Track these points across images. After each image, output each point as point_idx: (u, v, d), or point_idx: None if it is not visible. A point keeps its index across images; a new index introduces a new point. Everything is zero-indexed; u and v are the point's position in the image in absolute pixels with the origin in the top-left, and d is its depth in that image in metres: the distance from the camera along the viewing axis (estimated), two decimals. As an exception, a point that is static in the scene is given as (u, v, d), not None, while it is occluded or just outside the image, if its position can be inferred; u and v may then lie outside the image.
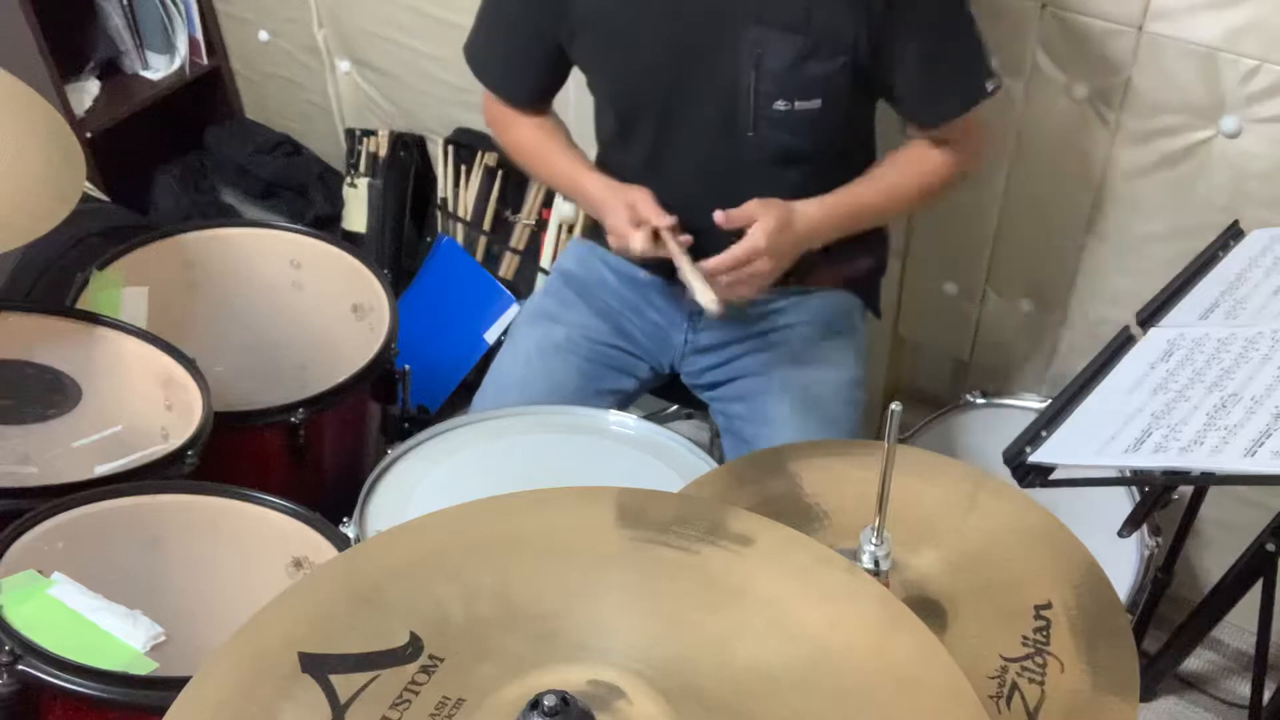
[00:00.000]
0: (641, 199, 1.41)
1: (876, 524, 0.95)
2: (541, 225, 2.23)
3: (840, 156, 1.50)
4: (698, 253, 1.41)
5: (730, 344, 1.61)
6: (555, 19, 1.44)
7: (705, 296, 1.34)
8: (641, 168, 1.51)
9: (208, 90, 2.62)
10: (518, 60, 1.54)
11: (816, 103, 1.39)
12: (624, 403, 1.68)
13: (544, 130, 1.59)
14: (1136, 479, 1.33)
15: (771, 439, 1.53)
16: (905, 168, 1.49)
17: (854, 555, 0.96)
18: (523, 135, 1.60)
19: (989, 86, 1.43)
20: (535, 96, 1.58)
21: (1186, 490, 1.60)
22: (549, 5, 1.44)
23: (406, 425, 1.77)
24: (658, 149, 1.49)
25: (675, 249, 1.39)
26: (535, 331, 1.66)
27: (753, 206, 1.38)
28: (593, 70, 1.50)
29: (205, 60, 2.56)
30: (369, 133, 2.39)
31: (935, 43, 1.39)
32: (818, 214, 1.44)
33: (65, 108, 2.34)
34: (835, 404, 1.56)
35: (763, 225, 1.37)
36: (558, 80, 1.57)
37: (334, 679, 0.79)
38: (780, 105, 1.39)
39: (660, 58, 1.41)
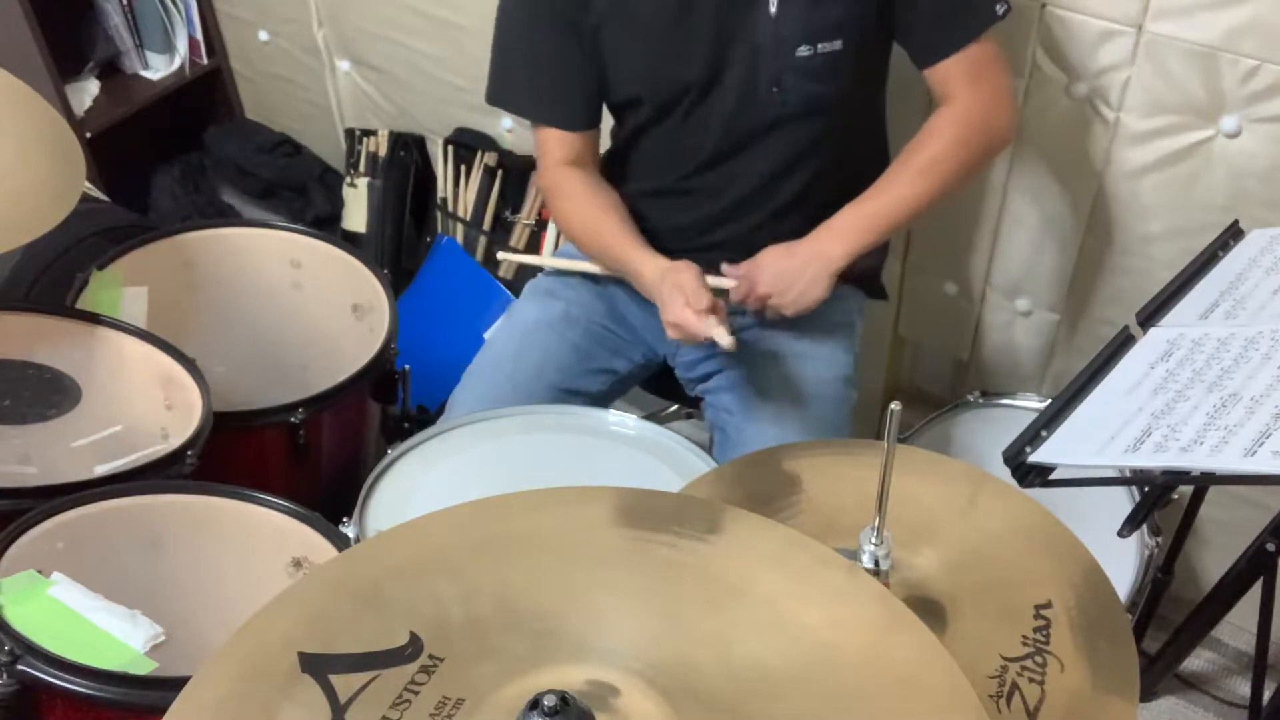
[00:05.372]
0: (689, 281, 1.40)
1: (876, 524, 0.95)
2: (541, 225, 2.23)
3: (858, 109, 1.51)
4: (715, 221, 1.50)
5: None
6: (579, 18, 1.44)
7: (723, 339, 1.36)
8: (665, 151, 1.52)
9: (208, 90, 2.62)
10: (560, 82, 1.51)
11: (838, 43, 1.40)
12: (616, 383, 1.68)
13: (601, 201, 1.56)
14: (1136, 479, 1.33)
15: (756, 436, 1.53)
16: (918, 145, 1.47)
17: (854, 555, 0.96)
18: (580, 205, 1.57)
19: (999, 9, 1.41)
20: (586, 117, 1.55)
21: (1186, 490, 1.60)
22: (568, 12, 1.44)
23: (406, 425, 1.77)
24: (682, 129, 1.49)
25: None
26: (534, 306, 1.67)
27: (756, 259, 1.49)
28: (623, 60, 1.48)
29: (205, 60, 2.56)
30: (369, 133, 2.39)
31: None
32: (831, 229, 1.46)
33: (65, 108, 2.34)
34: (824, 401, 1.56)
35: (755, 260, 1.47)
36: (600, 94, 1.54)
37: (334, 679, 0.79)
38: (804, 50, 1.40)
39: (685, 29, 1.41)
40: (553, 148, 1.57)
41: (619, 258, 1.53)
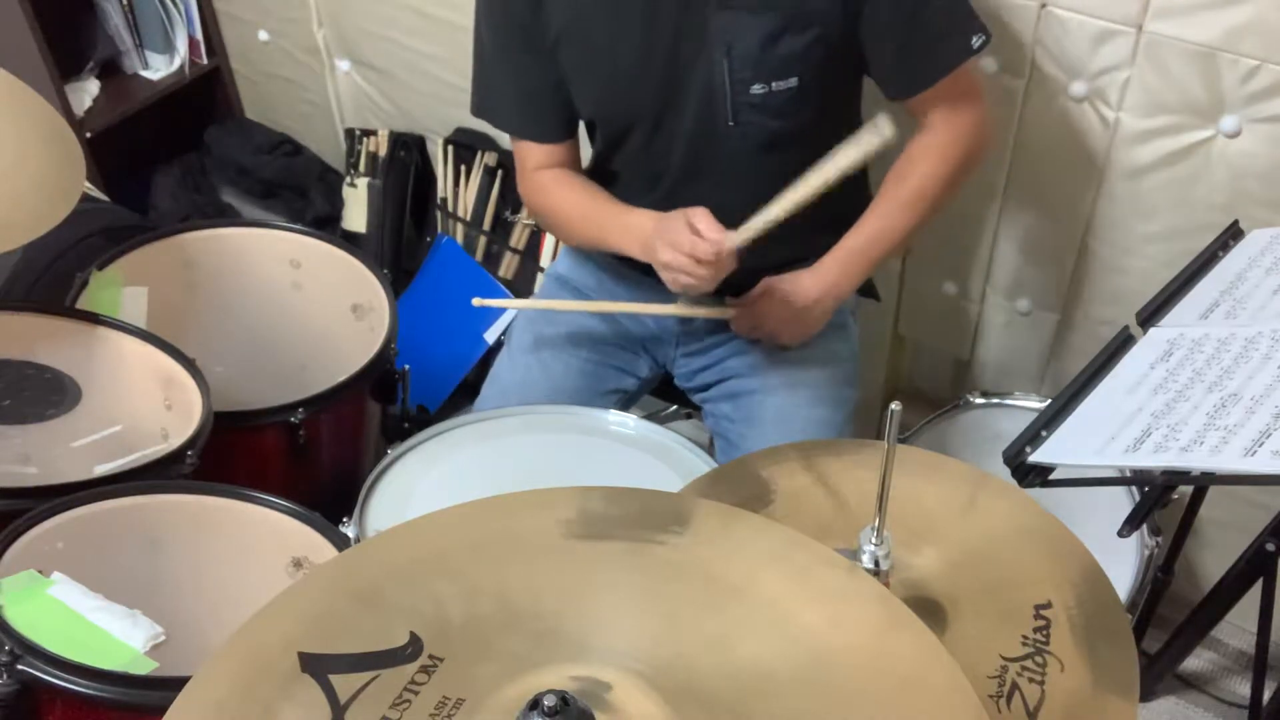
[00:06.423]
0: (701, 215, 1.35)
1: (876, 524, 0.95)
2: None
3: (823, 141, 1.50)
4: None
5: (720, 345, 1.61)
6: (539, 39, 1.44)
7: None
8: (629, 175, 1.51)
9: (208, 90, 2.62)
10: (533, 97, 1.51)
11: (793, 81, 1.39)
12: (626, 403, 1.68)
13: (585, 184, 1.55)
14: (1136, 479, 1.33)
15: (758, 441, 1.53)
16: (903, 176, 1.48)
17: (854, 555, 0.96)
18: (563, 193, 1.56)
19: (974, 43, 1.40)
20: (560, 131, 1.55)
21: (1186, 490, 1.60)
22: (529, 29, 1.44)
23: (406, 425, 1.77)
24: (644, 155, 1.49)
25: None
26: (533, 336, 1.66)
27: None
28: (577, 82, 1.48)
29: (205, 60, 2.56)
30: (369, 133, 2.39)
31: (910, 3, 1.37)
32: (834, 265, 1.50)
33: (65, 108, 2.34)
34: (823, 405, 1.56)
35: (762, 297, 1.50)
36: (573, 109, 1.54)
37: (334, 679, 0.79)
38: (757, 89, 1.39)
39: (638, 60, 1.41)
40: (531, 159, 1.57)
41: (613, 221, 1.48)
